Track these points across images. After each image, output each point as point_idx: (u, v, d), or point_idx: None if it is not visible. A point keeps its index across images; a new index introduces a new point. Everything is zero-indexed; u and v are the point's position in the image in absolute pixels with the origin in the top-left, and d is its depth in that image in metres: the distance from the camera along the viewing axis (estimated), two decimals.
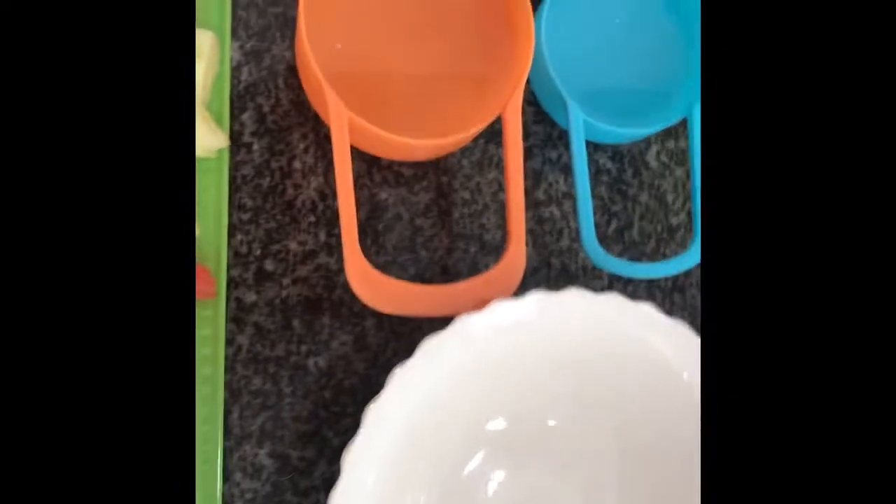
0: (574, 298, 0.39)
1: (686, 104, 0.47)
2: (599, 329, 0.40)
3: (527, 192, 0.48)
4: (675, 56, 0.49)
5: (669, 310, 0.50)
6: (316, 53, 0.39)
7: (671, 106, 0.48)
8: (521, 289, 0.42)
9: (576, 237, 0.49)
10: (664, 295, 0.50)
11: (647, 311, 0.40)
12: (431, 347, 0.37)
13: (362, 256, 0.39)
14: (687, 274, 0.50)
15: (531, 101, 0.50)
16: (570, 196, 0.50)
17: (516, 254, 0.41)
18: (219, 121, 0.43)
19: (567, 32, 0.47)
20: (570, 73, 0.45)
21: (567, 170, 0.50)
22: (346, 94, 0.39)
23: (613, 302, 0.40)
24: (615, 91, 0.48)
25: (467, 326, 0.38)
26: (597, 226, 0.49)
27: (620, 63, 0.48)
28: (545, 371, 0.41)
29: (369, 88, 0.43)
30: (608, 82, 0.48)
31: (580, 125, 0.45)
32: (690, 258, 0.46)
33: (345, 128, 0.39)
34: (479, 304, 0.39)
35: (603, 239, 0.49)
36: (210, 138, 0.41)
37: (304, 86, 0.44)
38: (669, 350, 0.41)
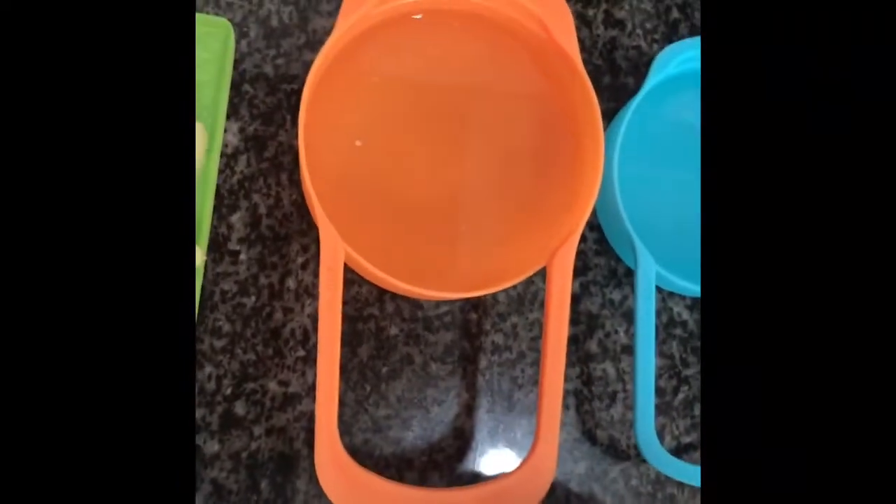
0: None
1: None
2: None
3: (577, 342, 0.39)
4: None
5: None
6: (318, 153, 0.30)
7: None
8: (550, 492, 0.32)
9: (632, 406, 0.39)
10: None
11: None
12: None
13: (339, 443, 0.29)
14: None
15: (594, 226, 0.40)
16: (632, 350, 0.39)
17: (545, 457, 0.31)
18: (198, 225, 0.35)
19: (645, 163, 0.37)
20: (643, 210, 0.35)
21: (631, 317, 0.39)
22: (348, 213, 0.30)
23: None
24: (694, 236, 0.37)
25: None
26: (661, 393, 0.39)
27: (691, 194, 0.38)
28: None
29: (382, 211, 0.34)
30: (686, 224, 0.37)
31: (651, 279, 0.34)
32: None
33: (337, 261, 0.29)
34: None
35: (667, 410, 0.39)
36: None
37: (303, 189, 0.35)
38: None
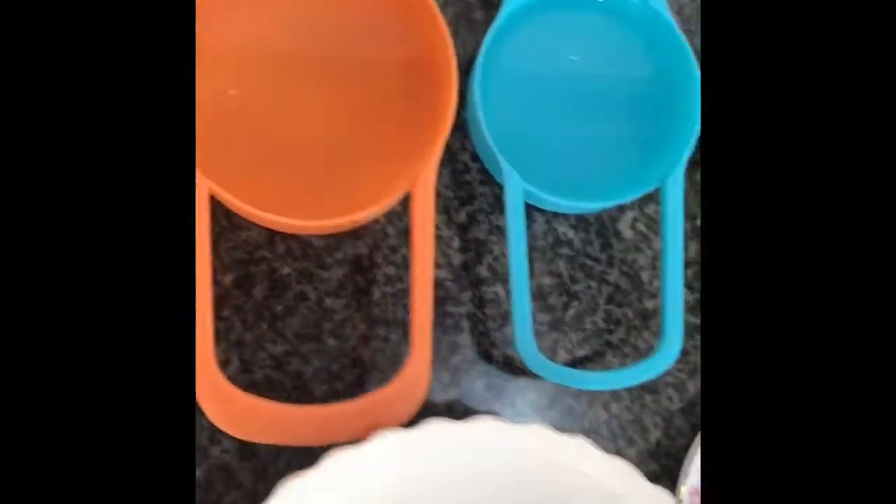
0: (483, 430, 0.31)
1: (661, 171, 0.38)
2: (517, 467, 0.31)
3: (467, 268, 0.40)
4: (648, 111, 0.39)
5: (638, 414, 0.41)
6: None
7: (642, 173, 0.38)
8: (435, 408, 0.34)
9: None
10: (632, 398, 0.41)
11: (578, 445, 0.32)
12: (293, 494, 0.29)
13: (216, 368, 0.31)
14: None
15: (476, 156, 0.41)
16: None
17: (418, 366, 0.32)
18: None
19: (510, 79, 0.38)
20: (510, 130, 0.37)
21: None
22: (222, 151, 0.32)
23: (536, 435, 0.31)
24: (568, 154, 0.39)
25: (339, 466, 0.30)
26: (552, 310, 0.41)
27: (577, 119, 0.39)
28: None
29: (257, 147, 0.35)
30: (560, 143, 0.39)
31: (519, 197, 0.36)
32: (658, 363, 0.37)
33: (203, 202, 0.31)
34: (365, 431, 0.31)
35: (558, 325, 0.40)
36: None
37: None
38: (603, 481, 0.32)
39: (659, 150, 0.38)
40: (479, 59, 0.36)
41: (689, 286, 0.42)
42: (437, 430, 0.31)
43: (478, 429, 0.31)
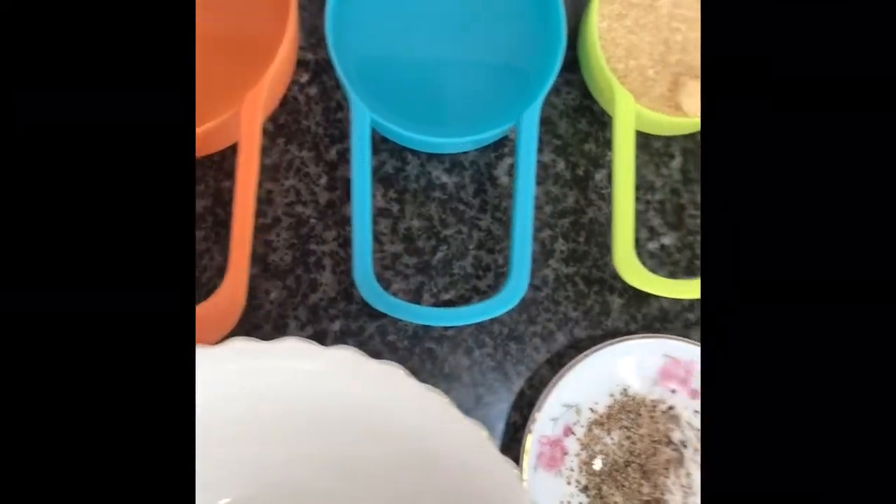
0: (289, 350, 0.30)
1: (519, 106, 0.37)
2: (326, 390, 0.31)
3: (333, 206, 0.40)
4: (509, 47, 0.38)
5: (501, 362, 0.40)
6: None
7: (501, 109, 0.37)
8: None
9: (389, 262, 0.40)
10: (496, 346, 0.40)
11: (387, 372, 0.31)
12: None
13: None
14: (528, 320, 0.40)
15: None
16: (390, 213, 0.40)
17: (232, 289, 0.32)
18: None
19: (367, 9, 0.38)
20: (365, 61, 0.36)
21: (389, 182, 0.40)
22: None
23: (342, 358, 0.31)
24: (425, 87, 0.38)
25: None
26: (419, 253, 0.40)
27: (435, 53, 0.38)
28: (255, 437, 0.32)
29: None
30: (417, 76, 0.38)
31: (365, 127, 0.35)
32: (499, 303, 0.36)
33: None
34: None
35: (426, 269, 0.40)
36: None
37: None
38: (415, 416, 0.31)
39: (517, 87, 0.37)
40: None
41: (564, 236, 0.41)
42: (243, 348, 0.30)
43: (282, 349, 0.30)
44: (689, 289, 0.37)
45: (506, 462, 0.31)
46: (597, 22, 0.37)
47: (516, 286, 0.35)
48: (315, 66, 0.41)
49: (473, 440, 0.31)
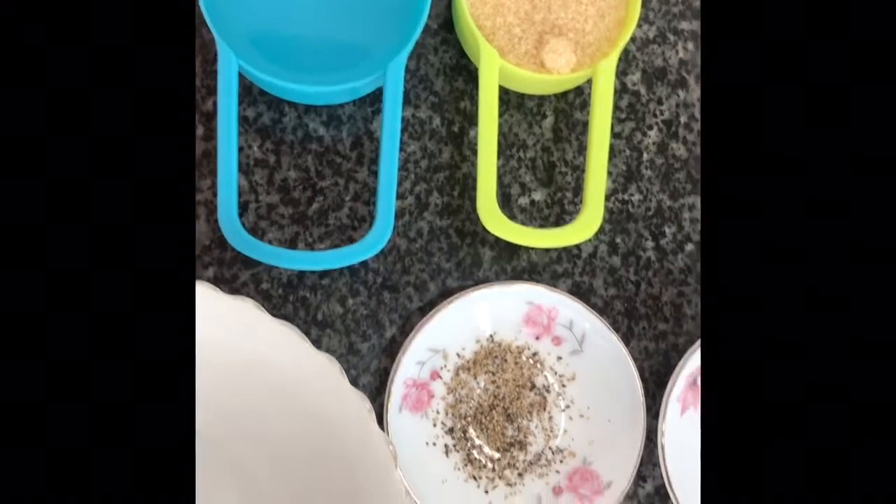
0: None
1: (385, 57, 0.38)
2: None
3: (209, 156, 0.40)
4: None
5: (375, 311, 0.41)
6: None
7: (368, 60, 0.38)
8: None
9: (265, 212, 0.41)
10: (370, 294, 0.41)
11: (244, 307, 0.32)
12: None
13: None
14: (402, 270, 0.41)
15: None
16: (266, 164, 0.41)
17: None
18: None
19: None
20: (228, 5, 0.37)
21: (266, 133, 0.41)
22: None
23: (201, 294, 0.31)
24: (293, 33, 0.39)
25: None
26: (295, 203, 0.41)
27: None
28: None
29: None
30: (285, 22, 0.39)
31: (232, 72, 0.36)
32: (362, 250, 0.37)
33: None
34: None
35: (301, 220, 0.41)
36: None
37: None
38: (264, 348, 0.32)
39: (385, 39, 0.38)
40: None
41: (439, 190, 0.42)
42: None
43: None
44: (547, 238, 0.38)
45: (356, 394, 0.32)
46: None
47: (381, 232, 0.37)
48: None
49: (326, 372, 0.32)
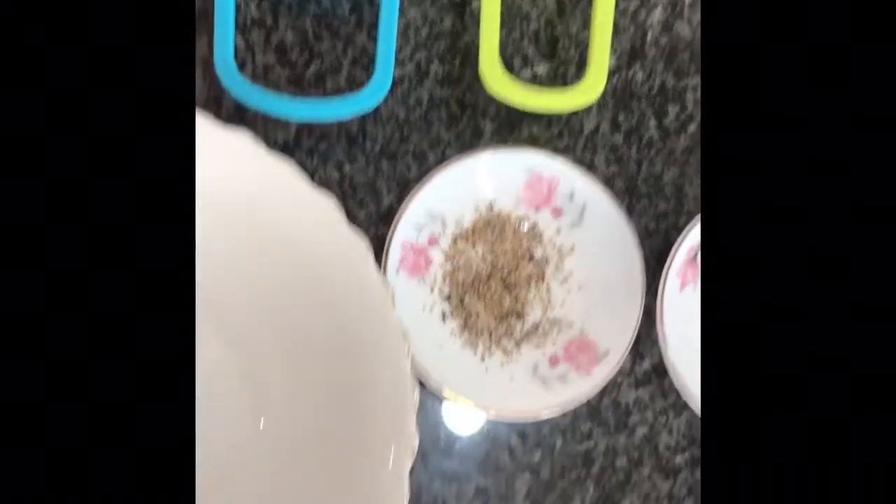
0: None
1: None
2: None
3: (207, 14, 0.39)
4: None
5: (373, 178, 0.40)
6: None
7: None
8: None
9: (261, 73, 0.40)
10: (367, 161, 0.40)
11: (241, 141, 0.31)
12: None
13: None
14: (400, 139, 0.40)
15: None
16: (263, 24, 0.40)
17: None
18: None
19: None
20: None
21: None
22: None
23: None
24: None
25: None
26: (293, 65, 0.40)
27: None
28: None
29: None
30: None
31: None
32: (366, 98, 0.36)
33: None
34: None
35: (299, 81, 0.40)
36: None
37: None
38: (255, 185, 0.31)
39: None
40: None
41: (440, 59, 0.41)
42: None
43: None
44: (549, 99, 0.37)
45: (354, 233, 0.32)
46: None
47: (381, 83, 0.36)
48: None
49: (323, 214, 0.32)
